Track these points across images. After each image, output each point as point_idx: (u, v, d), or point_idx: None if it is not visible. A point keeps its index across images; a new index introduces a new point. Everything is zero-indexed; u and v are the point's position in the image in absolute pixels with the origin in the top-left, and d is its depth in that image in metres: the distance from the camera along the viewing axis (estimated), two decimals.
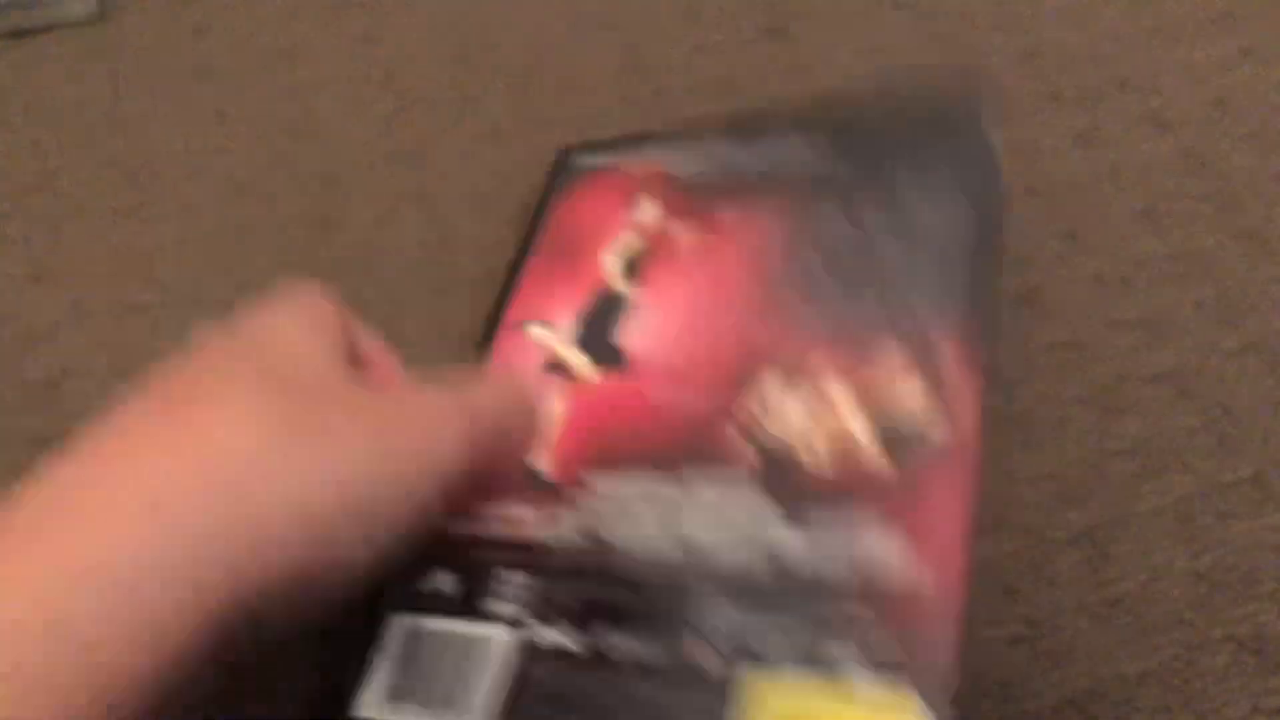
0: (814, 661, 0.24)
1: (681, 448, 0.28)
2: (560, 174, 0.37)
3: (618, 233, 0.34)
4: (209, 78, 0.43)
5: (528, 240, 0.36)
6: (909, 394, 0.27)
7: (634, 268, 0.33)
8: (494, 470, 0.28)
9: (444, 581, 0.29)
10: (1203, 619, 0.32)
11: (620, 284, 0.32)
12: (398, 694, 0.27)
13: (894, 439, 0.26)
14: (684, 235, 0.33)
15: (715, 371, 0.29)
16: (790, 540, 0.26)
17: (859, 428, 0.27)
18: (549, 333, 0.33)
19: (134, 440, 0.20)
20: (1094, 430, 0.35)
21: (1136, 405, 0.35)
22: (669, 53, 0.43)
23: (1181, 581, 0.32)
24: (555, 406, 0.31)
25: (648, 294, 0.32)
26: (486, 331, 0.34)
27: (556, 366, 0.32)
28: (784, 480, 0.27)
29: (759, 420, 0.28)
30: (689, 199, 0.34)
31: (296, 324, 0.24)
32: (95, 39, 0.44)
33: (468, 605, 0.28)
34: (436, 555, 0.29)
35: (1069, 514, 0.33)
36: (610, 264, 0.33)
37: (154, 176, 0.40)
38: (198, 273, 0.38)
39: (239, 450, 0.20)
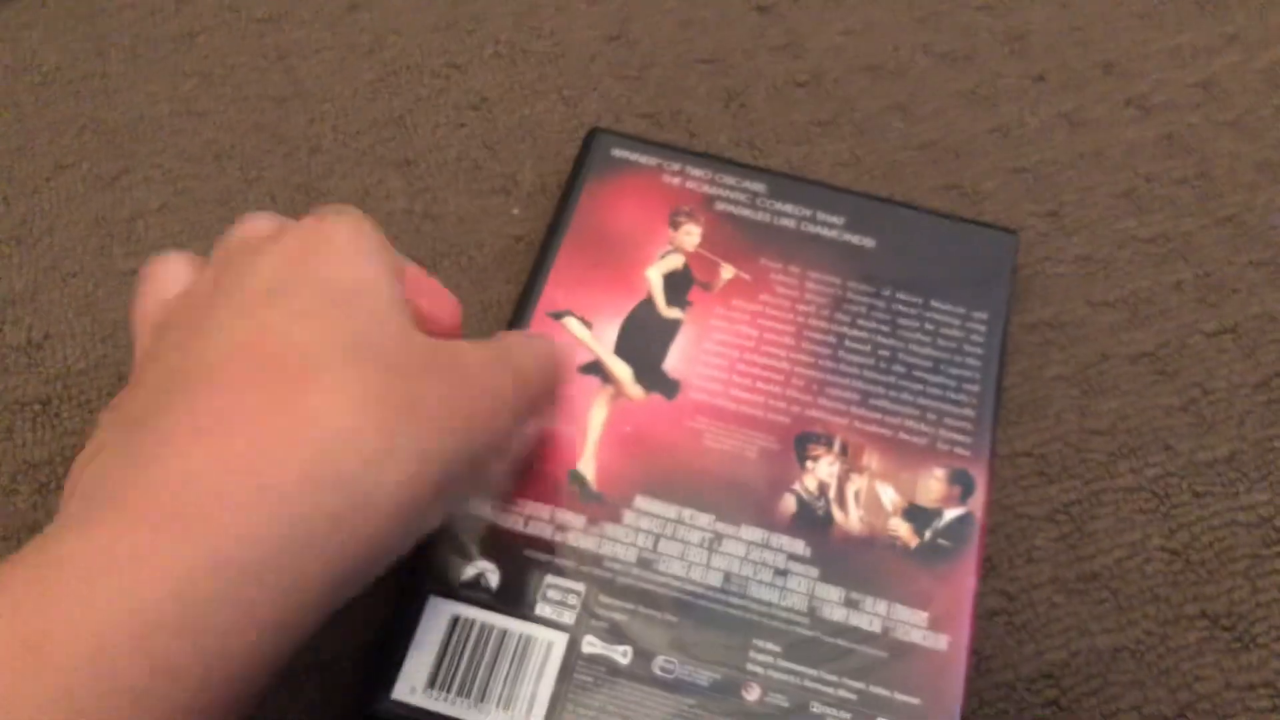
0: (844, 704, 0.28)
1: (725, 488, 0.31)
2: (593, 158, 0.37)
3: (659, 247, 0.35)
4: (193, 42, 0.42)
5: (557, 221, 0.36)
6: (934, 478, 0.32)
7: (678, 293, 0.34)
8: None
9: (488, 573, 0.29)
10: (1177, 595, 0.32)
11: (664, 307, 0.34)
12: (437, 681, 0.28)
13: (918, 515, 0.31)
14: (725, 269, 0.35)
15: (764, 424, 0.32)
16: (823, 591, 0.30)
17: (889, 500, 0.31)
18: (588, 333, 0.33)
19: (238, 424, 0.20)
20: (1074, 408, 0.35)
21: (1116, 384, 0.36)
22: (658, 26, 0.43)
23: (1157, 558, 0.33)
24: (596, 413, 0.32)
25: (692, 323, 0.34)
26: (517, 311, 0.34)
27: (593, 368, 0.33)
28: (819, 534, 0.31)
29: (799, 475, 0.31)
30: (729, 232, 0.36)
31: (370, 264, 0.23)
32: (79, 2, 0.43)
33: (511, 602, 0.29)
34: (482, 545, 0.30)
35: (1048, 490, 0.34)
36: (655, 281, 0.34)
37: (136, 141, 0.40)
38: (179, 238, 0.38)
39: (340, 432, 0.20)
